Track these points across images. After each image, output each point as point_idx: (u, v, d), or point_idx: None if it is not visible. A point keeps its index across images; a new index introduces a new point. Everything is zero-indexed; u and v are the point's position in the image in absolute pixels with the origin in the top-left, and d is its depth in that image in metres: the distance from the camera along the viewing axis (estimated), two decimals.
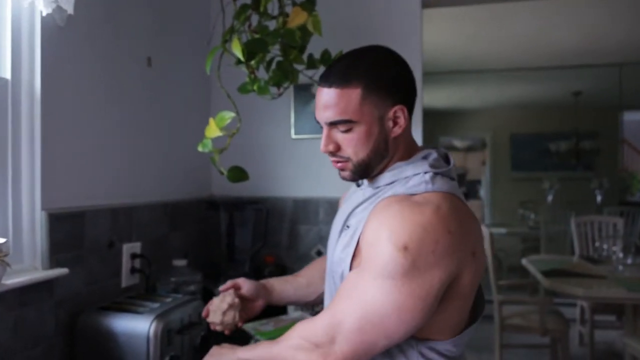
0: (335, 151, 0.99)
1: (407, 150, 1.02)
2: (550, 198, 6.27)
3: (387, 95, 0.95)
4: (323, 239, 2.10)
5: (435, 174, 0.96)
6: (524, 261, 3.86)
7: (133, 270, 1.64)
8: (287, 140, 2.17)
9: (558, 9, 3.61)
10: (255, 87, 1.57)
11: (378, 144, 0.97)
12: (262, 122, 2.18)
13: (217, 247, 2.06)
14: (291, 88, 1.98)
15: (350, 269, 0.96)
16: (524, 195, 6.80)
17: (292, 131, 2.16)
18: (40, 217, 1.31)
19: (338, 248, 1.02)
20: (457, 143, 8.04)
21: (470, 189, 7.74)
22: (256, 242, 2.07)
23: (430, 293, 0.86)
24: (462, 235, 0.89)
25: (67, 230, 1.38)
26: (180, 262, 1.74)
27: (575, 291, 2.91)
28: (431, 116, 6.87)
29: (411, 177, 0.96)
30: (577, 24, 3.94)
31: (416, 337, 0.93)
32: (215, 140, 1.52)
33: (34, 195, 1.31)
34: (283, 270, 2.14)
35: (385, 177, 1.00)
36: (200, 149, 1.49)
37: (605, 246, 3.83)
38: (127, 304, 1.44)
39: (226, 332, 1.21)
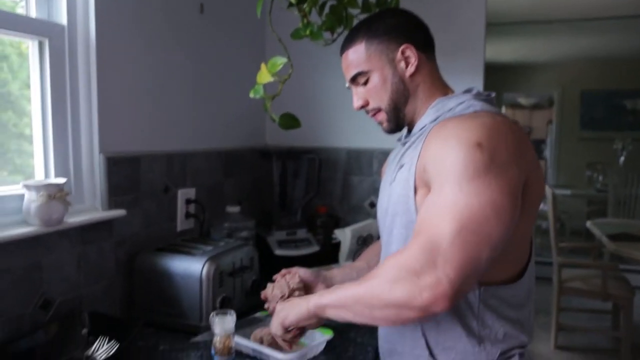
0: (365, 105, 1.08)
1: (436, 88, 1.05)
2: (622, 160, 5.88)
3: (389, 39, 1.03)
4: (376, 191, 2.05)
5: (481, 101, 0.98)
6: (589, 224, 3.67)
7: (188, 215, 1.68)
8: (342, 89, 2.10)
9: None
10: (308, 32, 1.52)
11: (397, 86, 1.04)
12: (317, 70, 2.13)
13: (270, 196, 2.07)
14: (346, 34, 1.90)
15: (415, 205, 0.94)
16: (592, 156, 6.38)
17: None
18: (98, 160, 1.35)
19: (396, 189, 0.99)
20: (522, 100, 7.62)
21: (535, 148, 7.37)
22: (309, 192, 2.06)
23: (517, 189, 0.84)
24: (523, 140, 0.90)
25: (124, 174, 1.42)
26: (233, 209, 1.77)
27: None
28: (495, 70, 6.53)
29: (456, 107, 0.98)
30: None
31: (479, 281, 0.91)
32: (267, 86, 1.49)
33: (92, 139, 1.35)
34: (336, 221, 2.13)
35: (429, 115, 1.02)
36: (252, 95, 1.47)
37: None
38: (181, 246, 1.48)
39: None
